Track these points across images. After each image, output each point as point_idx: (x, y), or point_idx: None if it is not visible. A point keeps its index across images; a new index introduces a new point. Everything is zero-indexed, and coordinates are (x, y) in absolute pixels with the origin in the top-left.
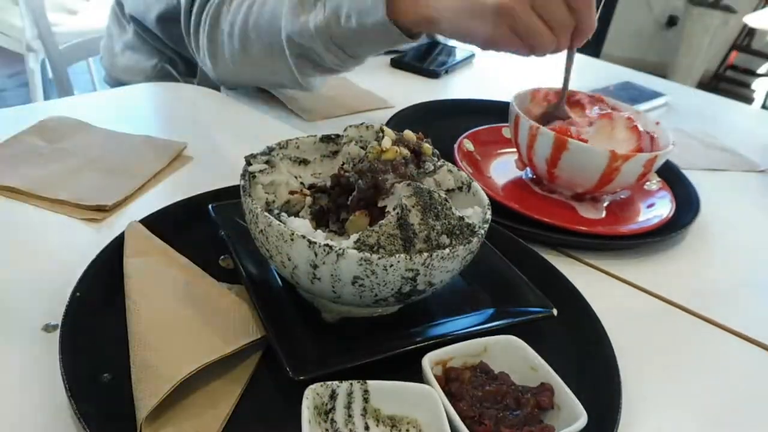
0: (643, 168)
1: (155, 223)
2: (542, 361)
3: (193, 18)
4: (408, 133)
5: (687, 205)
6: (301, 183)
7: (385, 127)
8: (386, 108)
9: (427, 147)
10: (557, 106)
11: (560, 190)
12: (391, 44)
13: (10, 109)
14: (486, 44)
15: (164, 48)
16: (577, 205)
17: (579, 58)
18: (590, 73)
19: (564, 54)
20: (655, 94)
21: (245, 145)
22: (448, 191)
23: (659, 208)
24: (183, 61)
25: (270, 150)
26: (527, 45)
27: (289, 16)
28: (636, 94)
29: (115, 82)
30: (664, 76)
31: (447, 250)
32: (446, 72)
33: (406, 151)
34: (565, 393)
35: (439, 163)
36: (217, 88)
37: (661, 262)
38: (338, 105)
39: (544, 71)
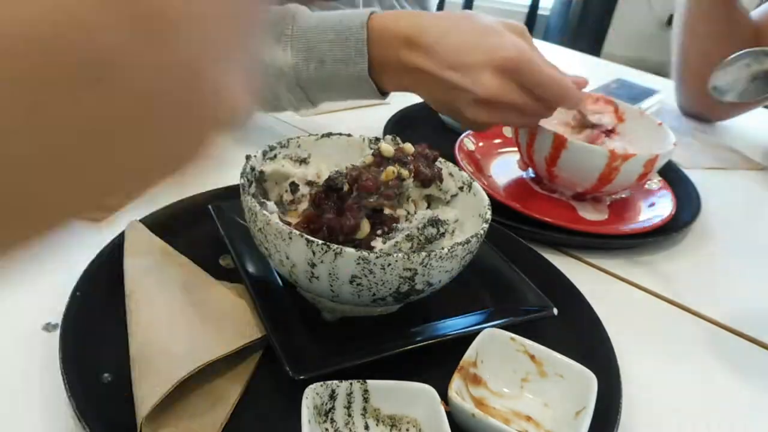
0: (643, 168)
1: (155, 222)
2: (528, 341)
3: None
4: (407, 147)
5: (688, 204)
6: (306, 182)
7: (384, 145)
8: (381, 104)
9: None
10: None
11: (561, 190)
12: (360, 97)
13: None
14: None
15: None
16: (578, 206)
17: (572, 55)
18: (581, 72)
19: None
20: (650, 92)
21: (245, 144)
22: (453, 197)
23: (660, 207)
24: None
25: (271, 149)
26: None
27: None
28: (632, 92)
29: None
30: (665, 75)
31: (445, 250)
32: None
33: (405, 173)
34: (565, 362)
35: (439, 166)
36: None
37: (662, 261)
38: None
39: None
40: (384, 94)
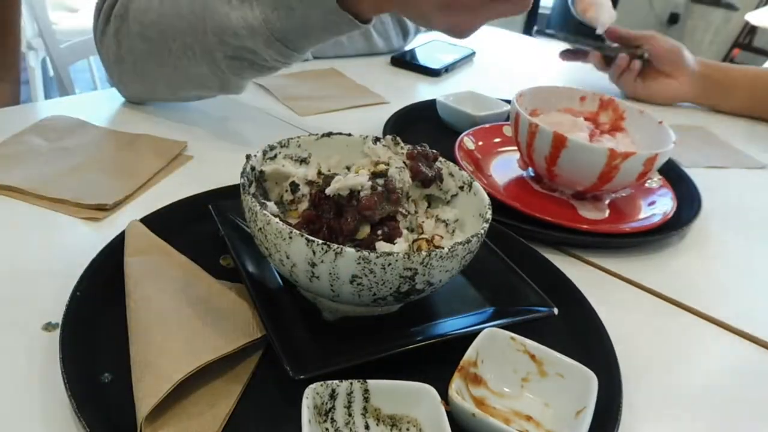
0: (643, 167)
1: (155, 222)
2: (528, 340)
3: (101, 16)
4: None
5: (688, 202)
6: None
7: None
8: (381, 104)
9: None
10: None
11: (561, 189)
12: (341, 32)
13: (10, 108)
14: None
15: None
16: (579, 205)
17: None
18: (577, 71)
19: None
20: None
21: (245, 144)
22: (453, 197)
23: (660, 205)
24: None
25: (271, 148)
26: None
27: (216, 15)
28: None
29: None
30: None
31: (446, 250)
32: (446, 70)
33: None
34: (565, 362)
35: (439, 166)
36: None
37: (662, 260)
38: (332, 100)
39: (544, 69)
40: (366, 22)
